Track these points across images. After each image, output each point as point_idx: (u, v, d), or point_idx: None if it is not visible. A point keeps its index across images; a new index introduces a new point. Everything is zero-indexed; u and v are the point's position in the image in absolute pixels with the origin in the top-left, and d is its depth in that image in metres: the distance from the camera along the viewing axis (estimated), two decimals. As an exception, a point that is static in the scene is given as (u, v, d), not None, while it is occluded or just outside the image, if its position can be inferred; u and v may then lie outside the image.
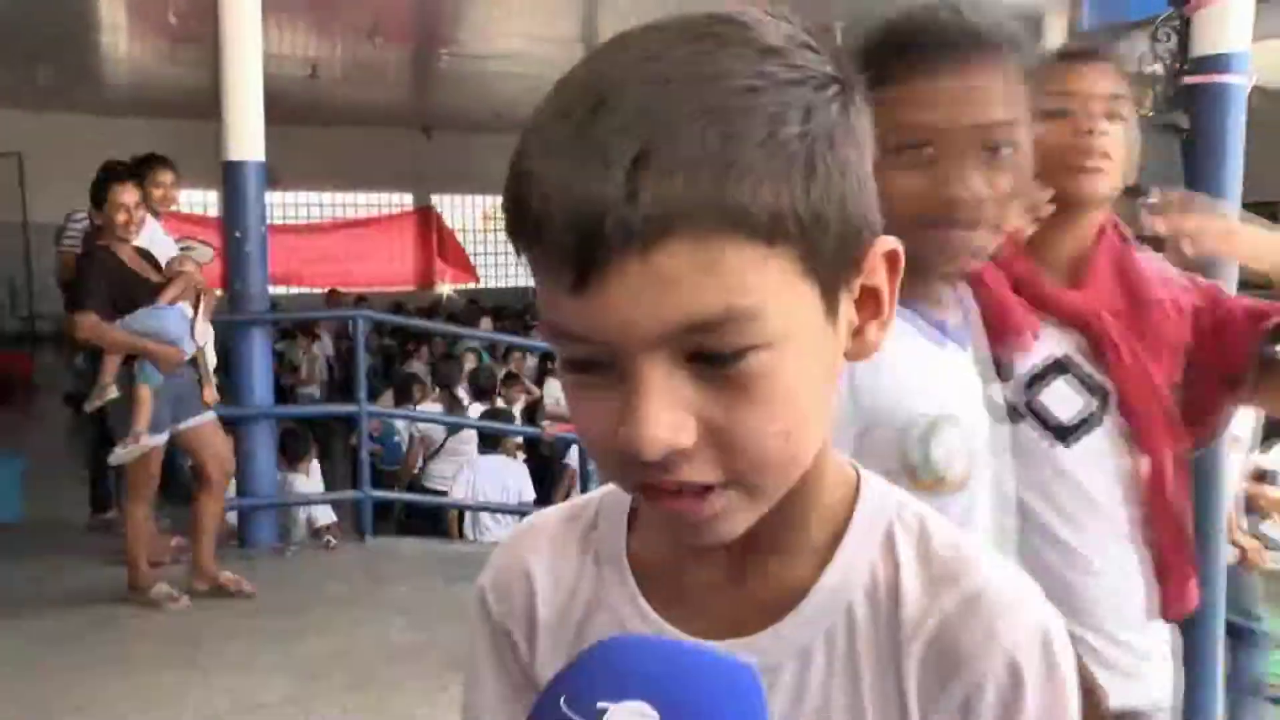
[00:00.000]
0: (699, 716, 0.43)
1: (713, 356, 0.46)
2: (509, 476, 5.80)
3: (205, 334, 4.14)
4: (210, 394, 4.15)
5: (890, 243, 0.53)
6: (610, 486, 0.60)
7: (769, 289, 0.46)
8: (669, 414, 0.46)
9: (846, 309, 0.51)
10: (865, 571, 0.55)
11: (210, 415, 4.13)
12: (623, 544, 0.60)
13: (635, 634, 0.54)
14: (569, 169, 0.45)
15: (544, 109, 0.48)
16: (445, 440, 6.16)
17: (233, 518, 5.34)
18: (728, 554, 0.56)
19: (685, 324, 0.45)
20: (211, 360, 4.32)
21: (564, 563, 0.62)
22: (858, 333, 0.53)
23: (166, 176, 4.55)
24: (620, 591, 0.59)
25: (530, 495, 5.87)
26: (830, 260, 0.49)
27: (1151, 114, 2.75)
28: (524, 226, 0.47)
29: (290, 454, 5.35)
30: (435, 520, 5.82)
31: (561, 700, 0.44)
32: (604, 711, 0.43)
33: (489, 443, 5.88)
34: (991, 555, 0.57)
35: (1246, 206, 2.76)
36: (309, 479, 5.42)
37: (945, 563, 0.55)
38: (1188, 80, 2.61)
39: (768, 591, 0.56)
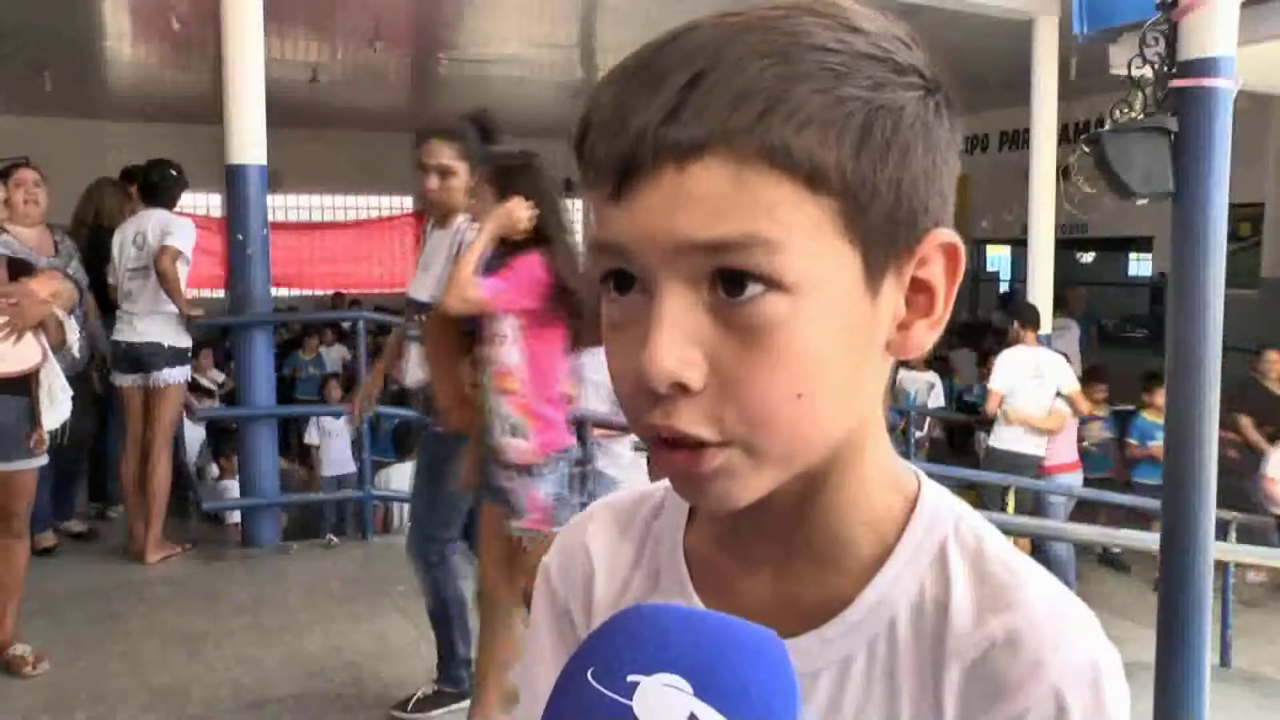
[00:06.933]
0: (731, 686, 0.41)
1: (730, 281, 0.45)
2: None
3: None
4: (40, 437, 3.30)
5: (948, 235, 0.50)
6: None
7: (798, 228, 0.45)
8: (682, 346, 0.46)
9: (893, 293, 0.49)
10: (914, 586, 0.53)
11: (36, 462, 3.33)
12: (681, 533, 0.60)
13: (659, 603, 0.52)
14: (625, 90, 0.47)
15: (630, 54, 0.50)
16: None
17: (235, 516, 5.38)
18: (774, 557, 0.56)
19: (708, 241, 0.45)
20: (60, 403, 3.34)
21: (626, 545, 0.62)
22: (904, 326, 0.50)
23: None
24: (673, 581, 0.59)
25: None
26: (877, 232, 0.47)
27: (1141, 116, 2.80)
28: (581, 145, 0.49)
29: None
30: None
31: (589, 673, 0.42)
32: (635, 685, 0.41)
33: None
34: (1047, 579, 0.53)
35: (1233, 207, 2.80)
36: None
37: (998, 584, 0.52)
38: (1176, 83, 2.62)
39: (812, 598, 0.55)
